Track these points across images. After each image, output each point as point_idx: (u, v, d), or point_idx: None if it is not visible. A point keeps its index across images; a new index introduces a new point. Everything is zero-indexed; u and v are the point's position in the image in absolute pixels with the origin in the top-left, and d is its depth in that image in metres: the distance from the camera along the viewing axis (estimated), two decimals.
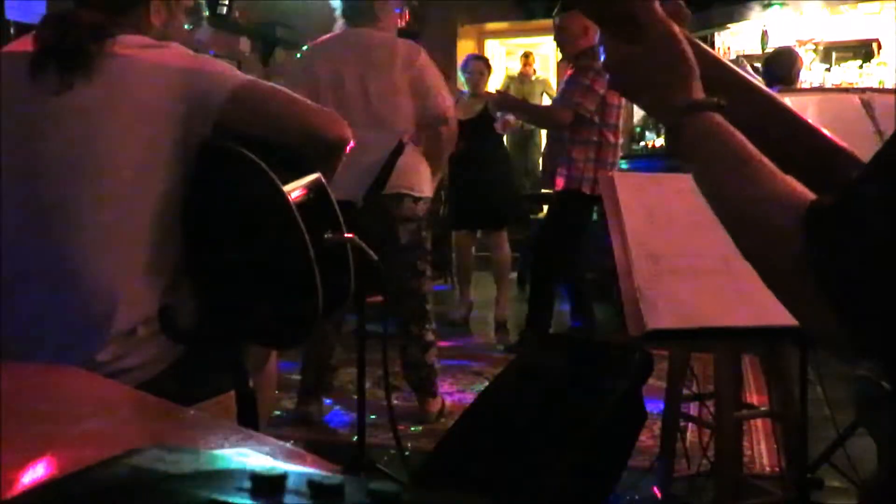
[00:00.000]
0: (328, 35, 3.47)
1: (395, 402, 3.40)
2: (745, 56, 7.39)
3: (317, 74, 3.28)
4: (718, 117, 0.83)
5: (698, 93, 0.86)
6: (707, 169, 0.82)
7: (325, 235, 1.52)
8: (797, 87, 4.36)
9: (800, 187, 0.74)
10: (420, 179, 3.35)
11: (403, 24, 3.70)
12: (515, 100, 5.67)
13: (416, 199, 3.33)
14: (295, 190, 1.48)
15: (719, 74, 0.97)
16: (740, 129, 0.96)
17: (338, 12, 3.47)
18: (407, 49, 3.37)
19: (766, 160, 0.78)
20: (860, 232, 0.66)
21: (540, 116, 5.22)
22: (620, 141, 4.55)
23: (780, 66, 4.28)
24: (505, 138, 5.91)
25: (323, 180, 1.56)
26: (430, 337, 3.45)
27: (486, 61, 5.88)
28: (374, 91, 3.27)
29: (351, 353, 3.12)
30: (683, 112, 0.83)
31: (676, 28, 0.88)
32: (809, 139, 0.98)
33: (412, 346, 3.42)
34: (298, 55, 3.52)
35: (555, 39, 4.76)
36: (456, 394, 3.85)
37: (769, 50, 6.38)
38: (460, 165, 5.08)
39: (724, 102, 0.84)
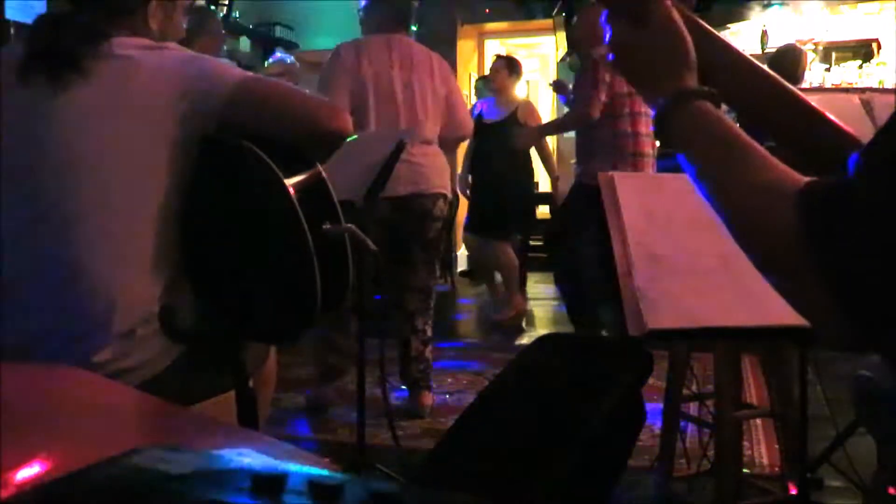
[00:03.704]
0: (365, 37, 3.49)
1: (393, 402, 3.41)
2: None
3: (363, 76, 3.32)
4: (708, 105, 0.83)
5: (691, 81, 0.85)
6: (695, 157, 0.81)
7: (324, 226, 1.52)
8: (799, 86, 4.34)
9: (791, 171, 0.73)
10: (448, 181, 3.52)
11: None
12: (542, 127, 5.47)
13: (447, 200, 3.50)
14: (296, 183, 1.47)
15: (726, 59, 0.97)
16: (746, 112, 0.96)
17: (362, 14, 3.53)
18: (440, 63, 3.53)
19: (755, 144, 0.77)
20: (860, 214, 0.63)
21: (570, 123, 4.73)
22: (645, 130, 4.20)
23: (786, 65, 4.24)
24: None
25: (323, 174, 1.56)
26: (430, 332, 3.57)
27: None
28: (419, 95, 3.39)
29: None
30: (673, 100, 0.83)
31: (677, 15, 0.89)
32: (815, 123, 0.98)
33: (416, 341, 3.50)
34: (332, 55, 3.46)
35: (567, 37, 4.76)
36: (455, 394, 3.85)
37: (769, 50, 6.37)
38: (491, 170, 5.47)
39: (715, 91, 0.84)
